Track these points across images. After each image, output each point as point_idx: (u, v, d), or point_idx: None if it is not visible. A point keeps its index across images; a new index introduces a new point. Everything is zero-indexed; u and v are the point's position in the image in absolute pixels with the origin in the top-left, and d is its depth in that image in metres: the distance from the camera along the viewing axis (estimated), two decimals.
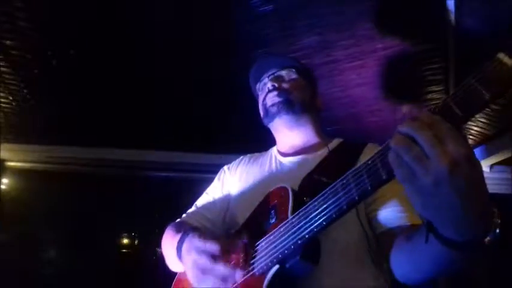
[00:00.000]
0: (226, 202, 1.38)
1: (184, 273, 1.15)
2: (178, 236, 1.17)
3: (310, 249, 0.94)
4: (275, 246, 0.98)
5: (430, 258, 0.81)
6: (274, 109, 1.34)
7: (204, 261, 1.00)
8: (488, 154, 2.82)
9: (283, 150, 1.40)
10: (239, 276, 1.00)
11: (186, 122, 2.70)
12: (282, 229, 1.00)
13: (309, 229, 0.92)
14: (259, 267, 1.00)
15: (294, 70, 1.41)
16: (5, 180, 2.93)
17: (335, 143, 1.33)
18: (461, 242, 0.68)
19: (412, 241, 0.89)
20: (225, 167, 1.49)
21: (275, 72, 1.41)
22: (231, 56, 2.24)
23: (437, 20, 2.11)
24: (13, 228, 3.05)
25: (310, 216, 0.93)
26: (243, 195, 1.33)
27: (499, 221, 0.67)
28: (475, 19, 2.04)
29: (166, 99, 2.54)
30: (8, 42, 2.13)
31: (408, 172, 0.64)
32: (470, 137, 2.75)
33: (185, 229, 1.18)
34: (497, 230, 0.67)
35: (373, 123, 2.72)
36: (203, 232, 1.13)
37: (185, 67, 2.32)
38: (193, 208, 1.43)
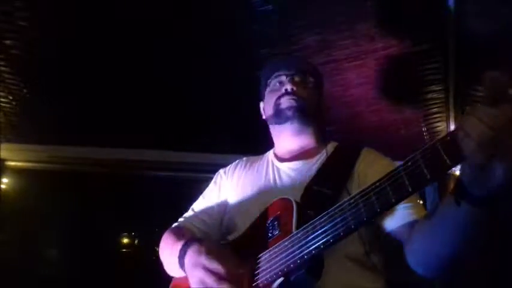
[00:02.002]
0: (223, 207, 1.37)
1: (182, 278, 1.17)
2: (179, 244, 1.17)
3: (314, 264, 0.96)
4: (280, 260, 1.00)
5: (454, 226, 0.85)
6: (289, 113, 1.31)
7: (211, 281, 1.02)
8: None
9: (280, 154, 1.40)
10: None
11: (186, 122, 2.70)
12: (286, 243, 1.01)
13: (315, 245, 0.94)
14: (263, 278, 1.02)
15: (312, 77, 1.39)
16: (5, 180, 2.93)
17: (330, 147, 1.33)
18: (487, 197, 0.75)
19: (434, 217, 0.92)
20: (221, 171, 1.47)
21: (295, 75, 1.37)
22: (231, 55, 2.24)
23: (437, 19, 2.11)
24: (13, 228, 3.04)
25: (317, 233, 0.94)
26: (242, 202, 1.32)
27: None
28: (474, 19, 2.05)
29: (166, 98, 2.54)
30: (8, 42, 2.13)
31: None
32: None
33: (187, 238, 1.19)
34: None
35: (373, 123, 2.72)
36: (206, 244, 1.13)
37: (185, 67, 2.32)
38: (190, 212, 1.42)
